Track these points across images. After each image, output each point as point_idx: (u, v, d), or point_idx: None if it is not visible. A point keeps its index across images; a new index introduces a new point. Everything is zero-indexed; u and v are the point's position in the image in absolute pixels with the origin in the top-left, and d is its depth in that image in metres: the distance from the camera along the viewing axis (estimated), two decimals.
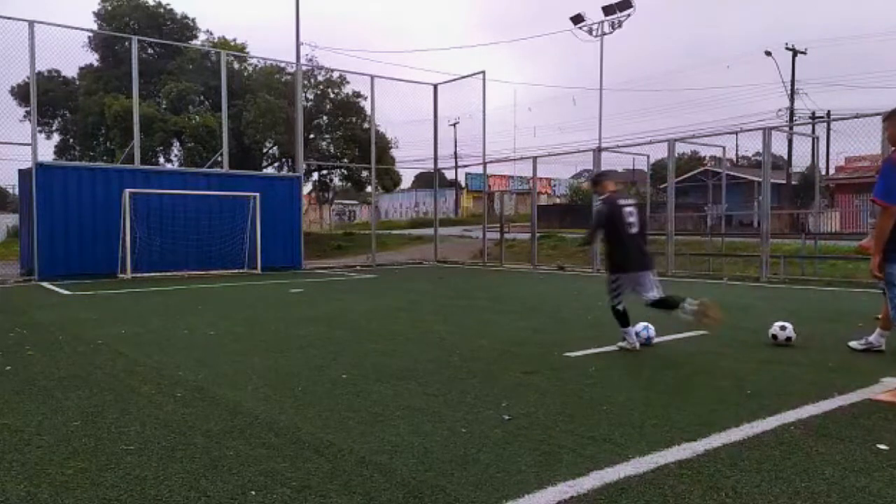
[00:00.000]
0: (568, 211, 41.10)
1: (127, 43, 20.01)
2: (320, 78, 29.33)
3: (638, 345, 6.11)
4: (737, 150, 41.54)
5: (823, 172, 27.22)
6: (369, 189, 24.39)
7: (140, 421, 3.93)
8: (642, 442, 3.49)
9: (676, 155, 16.41)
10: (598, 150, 17.76)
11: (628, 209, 6.10)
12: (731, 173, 17.97)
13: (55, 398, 4.47)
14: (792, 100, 33.87)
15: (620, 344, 6.17)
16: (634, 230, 6.10)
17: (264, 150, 30.17)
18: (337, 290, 12.73)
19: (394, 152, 29.40)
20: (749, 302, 9.83)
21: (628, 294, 6.19)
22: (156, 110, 25.99)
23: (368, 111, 24.16)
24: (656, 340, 6.49)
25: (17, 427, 3.84)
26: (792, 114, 33.38)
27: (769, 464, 3.18)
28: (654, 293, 6.10)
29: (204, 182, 16.99)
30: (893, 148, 4.75)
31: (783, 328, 6.20)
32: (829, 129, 23.47)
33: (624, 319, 6.16)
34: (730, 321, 7.86)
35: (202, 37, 30.23)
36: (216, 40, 29.31)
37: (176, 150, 28.29)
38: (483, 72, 20.69)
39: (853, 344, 5.83)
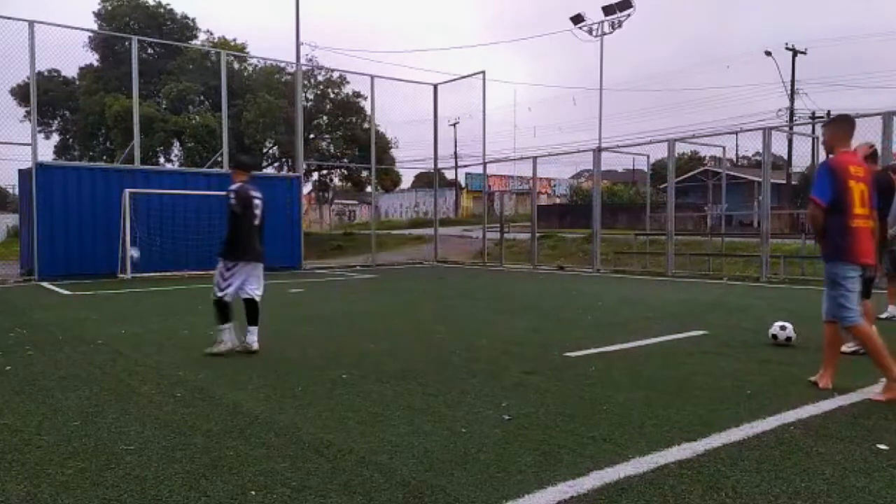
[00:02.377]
0: (568, 211, 41.11)
1: (127, 43, 20.02)
2: (320, 78, 29.37)
3: (230, 346, 5.96)
4: (737, 150, 41.54)
5: None
6: (369, 189, 24.35)
7: (140, 421, 3.93)
8: (642, 442, 3.49)
9: (676, 155, 16.42)
10: (598, 150, 17.76)
11: (257, 201, 6.25)
12: (731, 173, 17.98)
13: (55, 398, 4.47)
14: (792, 100, 33.88)
15: (211, 350, 5.92)
16: (257, 222, 6.21)
17: (264, 150, 30.19)
18: (337, 290, 12.73)
19: (394, 152, 29.45)
20: (749, 302, 9.83)
21: (238, 287, 6.11)
22: (156, 110, 26.00)
23: (368, 111, 24.19)
24: (656, 340, 6.50)
25: (17, 427, 3.84)
26: (792, 114, 33.37)
27: (769, 464, 3.18)
28: (258, 291, 6.21)
29: (204, 182, 16.96)
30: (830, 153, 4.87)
31: (783, 328, 6.21)
32: None
33: (226, 315, 6.01)
34: (730, 321, 7.88)
35: (202, 37, 30.29)
36: (216, 40, 29.34)
37: (176, 150, 28.32)
38: (483, 72, 20.71)
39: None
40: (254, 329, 6.07)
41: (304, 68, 23.36)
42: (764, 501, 2.76)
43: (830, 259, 4.60)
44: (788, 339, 6.15)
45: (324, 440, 3.56)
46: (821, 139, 5.03)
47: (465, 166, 27.37)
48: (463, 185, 50.79)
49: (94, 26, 27.89)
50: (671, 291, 11.48)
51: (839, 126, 4.80)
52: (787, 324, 6.26)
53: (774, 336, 6.22)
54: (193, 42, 29.03)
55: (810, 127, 23.56)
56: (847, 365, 5.34)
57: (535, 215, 19.63)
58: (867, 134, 12.90)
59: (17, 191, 22.27)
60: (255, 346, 6.03)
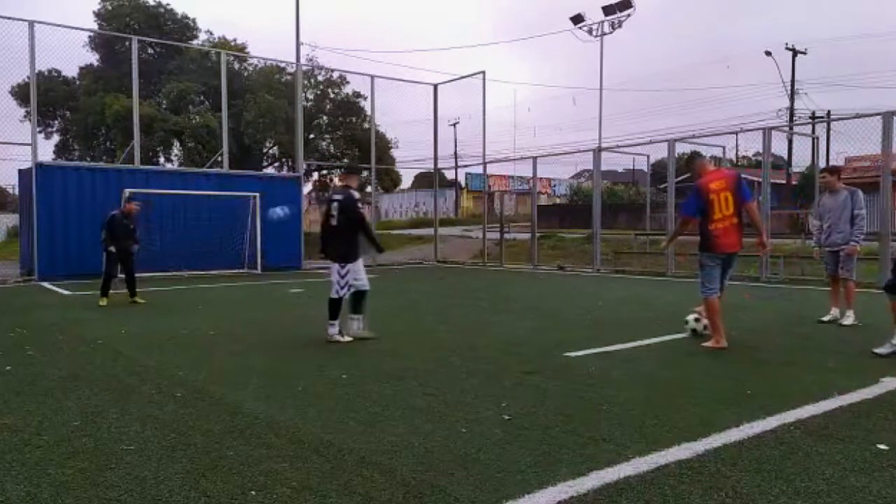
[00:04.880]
0: (568, 211, 41.09)
1: (127, 43, 20.00)
2: (320, 78, 29.33)
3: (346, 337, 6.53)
4: (737, 150, 41.41)
5: None
6: (369, 189, 24.34)
7: (140, 421, 3.93)
8: (642, 442, 3.49)
9: (676, 155, 16.42)
10: (599, 150, 17.76)
11: (333, 203, 6.58)
12: None
13: (55, 398, 4.47)
14: (792, 100, 33.87)
15: (346, 334, 6.56)
16: (333, 223, 6.57)
17: (264, 150, 30.17)
18: None
19: (394, 152, 29.42)
20: (749, 302, 9.82)
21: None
22: (156, 110, 25.98)
23: (368, 111, 24.18)
24: (656, 340, 6.50)
25: (17, 427, 3.84)
26: (792, 114, 33.36)
27: (769, 464, 3.18)
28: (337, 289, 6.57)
29: (204, 182, 16.98)
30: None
31: (697, 319, 6.57)
32: (829, 129, 23.46)
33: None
34: (730, 321, 7.87)
35: (202, 37, 30.26)
36: (216, 40, 29.32)
37: (176, 150, 28.28)
38: (483, 72, 20.70)
39: (879, 350, 5.65)
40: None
41: (304, 68, 23.36)
42: (764, 501, 2.76)
43: (699, 250, 6.27)
44: (706, 326, 6.43)
45: (324, 440, 3.56)
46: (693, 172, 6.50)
47: (466, 166, 27.39)
48: (463, 185, 50.80)
49: (95, 26, 27.87)
50: (671, 291, 11.48)
51: (697, 161, 6.56)
52: (698, 314, 6.58)
53: (694, 330, 6.54)
54: (193, 42, 29.01)
55: (810, 127, 23.58)
56: (848, 365, 5.34)
57: (535, 215, 19.62)
58: (868, 134, 12.91)
59: (17, 191, 22.27)
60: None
